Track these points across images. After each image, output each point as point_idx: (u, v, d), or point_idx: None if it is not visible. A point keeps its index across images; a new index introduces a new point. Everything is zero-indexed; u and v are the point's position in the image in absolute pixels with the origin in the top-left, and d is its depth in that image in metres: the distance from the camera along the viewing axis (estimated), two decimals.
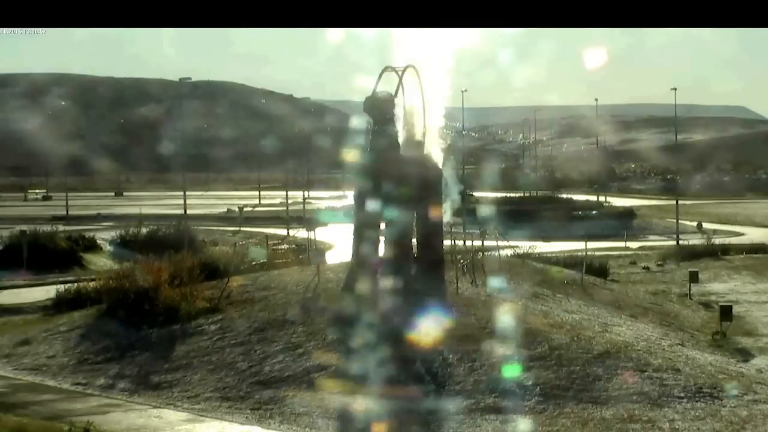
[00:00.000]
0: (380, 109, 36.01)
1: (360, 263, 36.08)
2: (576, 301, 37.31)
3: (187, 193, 76.57)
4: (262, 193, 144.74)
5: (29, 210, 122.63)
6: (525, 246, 56.00)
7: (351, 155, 38.51)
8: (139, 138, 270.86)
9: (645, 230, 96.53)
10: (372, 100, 36.10)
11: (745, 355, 33.30)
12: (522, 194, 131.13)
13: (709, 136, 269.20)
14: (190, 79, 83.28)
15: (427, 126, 37.56)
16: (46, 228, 70.24)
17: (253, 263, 42.73)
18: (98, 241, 70.84)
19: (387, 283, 33.28)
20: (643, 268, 61.25)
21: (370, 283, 33.40)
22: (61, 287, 43.34)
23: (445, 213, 38.31)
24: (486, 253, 40.93)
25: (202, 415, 26.37)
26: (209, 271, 38.74)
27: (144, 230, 73.79)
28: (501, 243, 44.15)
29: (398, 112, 36.79)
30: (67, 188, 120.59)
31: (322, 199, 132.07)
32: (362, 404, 25.91)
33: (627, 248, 75.59)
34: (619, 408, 25.11)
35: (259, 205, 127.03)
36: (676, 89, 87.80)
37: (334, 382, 27.53)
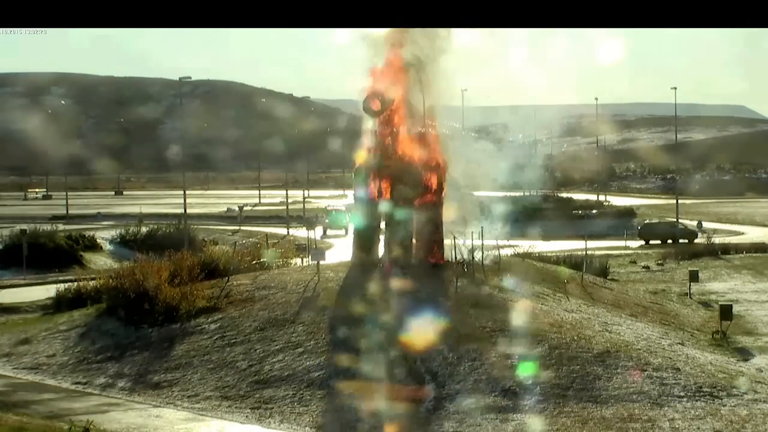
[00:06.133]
0: (380, 108, 36.02)
1: (360, 263, 36.10)
2: (576, 301, 37.30)
3: (187, 192, 76.56)
4: (262, 192, 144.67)
5: (29, 209, 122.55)
6: (525, 245, 55.97)
7: (352, 154, 38.52)
8: (139, 138, 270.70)
9: None
10: (371, 99, 36.09)
11: (745, 354, 33.31)
12: (522, 193, 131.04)
13: (709, 136, 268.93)
14: (190, 78, 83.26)
15: (427, 125, 37.56)
16: (46, 227, 70.26)
17: (254, 262, 42.68)
18: (98, 240, 70.86)
19: (387, 282, 33.28)
20: (643, 267, 61.23)
21: (370, 283, 33.40)
22: (61, 286, 43.29)
23: (446, 212, 38.29)
24: (486, 253, 40.89)
25: (202, 414, 26.39)
26: (209, 271, 38.69)
27: (144, 229, 73.82)
28: (501, 242, 44.11)
29: (398, 110, 36.80)
30: (67, 187, 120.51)
31: (322, 198, 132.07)
32: (363, 403, 25.92)
33: (627, 247, 75.55)
34: (619, 407, 25.13)
35: (259, 204, 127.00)
36: (676, 88, 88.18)
37: (335, 381, 27.54)
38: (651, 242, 79.22)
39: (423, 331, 28.89)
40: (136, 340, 32.81)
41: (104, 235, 73.81)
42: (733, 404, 25.36)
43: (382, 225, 36.85)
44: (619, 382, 26.58)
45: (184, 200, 74.48)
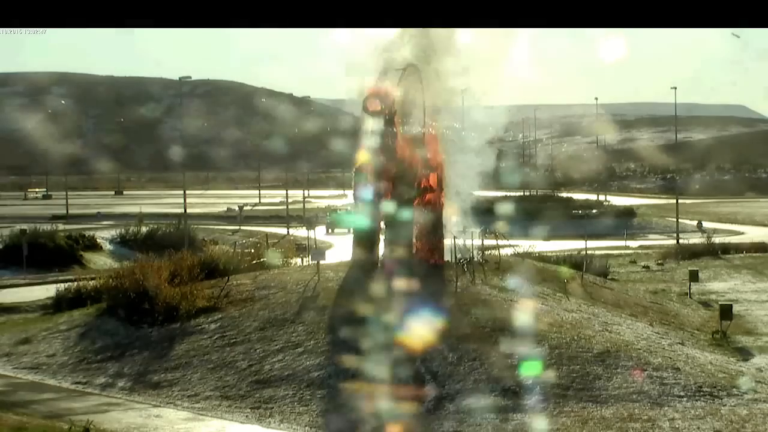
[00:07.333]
0: (380, 108, 36.01)
1: (361, 262, 36.09)
2: (576, 300, 37.30)
3: (187, 192, 76.58)
4: (262, 191, 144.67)
5: (29, 209, 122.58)
6: (525, 245, 55.98)
7: (352, 154, 38.53)
8: (139, 138, 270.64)
9: (645, 229, 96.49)
10: (372, 98, 36.09)
11: (745, 354, 33.31)
12: (522, 193, 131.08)
13: (709, 135, 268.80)
14: (190, 78, 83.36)
15: (427, 124, 37.59)
16: (46, 227, 70.30)
17: (254, 262, 42.69)
18: (98, 240, 70.91)
19: (387, 282, 33.27)
20: (643, 267, 61.21)
21: (370, 283, 33.39)
22: (61, 286, 43.33)
23: (446, 211, 38.31)
24: (486, 252, 40.93)
25: (202, 414, 26.40)
26: (209, 270, 38.69)
27: (144, 229, 73.86)
28: (501, 242, 44.13)
29: (399, 110, 36.80)
30: (67, 187, 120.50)
31: (322, 198, 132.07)
32: (363, 402, 25.93)
33: (627, 247, 75.56)
34: (619, 407, 25.14)
35: (259, 204, 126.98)
36: (676, 88, 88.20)
37: (335, 380, 27.54)
38: None
39: (423, 330, 28.89)
40: (136, 340, 32.82)
41: (104, 235, 73.83)
42: (733, 404, 25.37)
43: (382, 225, 36.84)
44: (619, 381, 26.59)
45: (184, 200, 74.50)
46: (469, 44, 38.22)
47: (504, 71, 40.27)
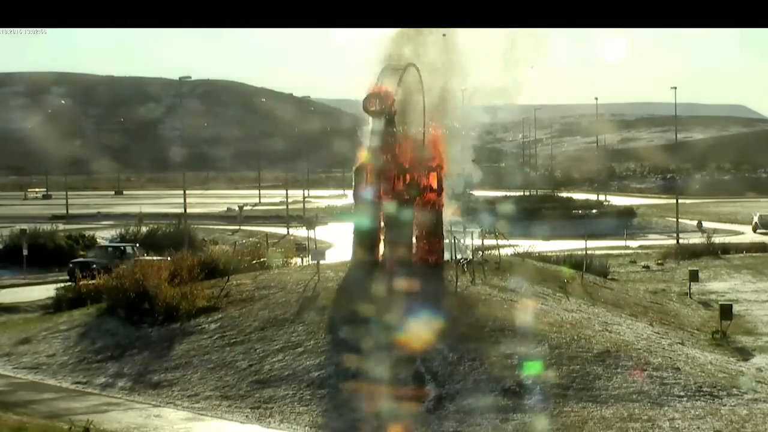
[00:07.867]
0: (380, 108, 36.00)
1: (360, 262, 36.09)
2: (576, 300, 37.31)
3: (187, 192, 76.56)
4: (262, 191, 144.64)
5: (29, 209, 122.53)
6: (525, 245, 55.96)
7: (352, 154, 38.54)
8: (139, 138, 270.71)
9: (645, 229, 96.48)
10: (372, 98, 36.08)
11: (745, 354, 33.32)
12: (522, 193, 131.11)
13: (709, 135, 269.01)
14: (190, 78, 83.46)
15: (427, 124, 37.59)
16: (46, 227, 70.27)
17: (254, 262, 42.67)
18: (98, 240, 70.80)
19: (387, 281, 33.27)
20: (643, 267, 61.21)
21: (370, 282, 33.39)
22: (61, 286, 43.30)
23: (445, 212, 38.33)
24: (486, 252, 40.94)
25: (201, 414, 26.40)
26: (209, 270, 38.70)
27: (144, 229, 73.80)
28: (501, 242, 44.13)
29: (399, 110, 36.80)
30: (67, 187, 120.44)
31: (322, 198, 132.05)
32: (363, 402, 25.93)
33: (627, 247, 75.55)
34: (619, 407, 25.14)
35: (259, 203, 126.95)
36: (676, 88, 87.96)
37: (335, 380, 27.54)
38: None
39: (423, 330, 28.89)
40: (136, 340, 32.82)
41: (104, 235, 73.80)
42: (733, 404, 25.36)
43: (382, 224, 36.84)
44: (619, 381, 26.59)
45: (184, 200, 74.48)
46: (470, 44, 38.23)
47: (504, 71, 40.23)
